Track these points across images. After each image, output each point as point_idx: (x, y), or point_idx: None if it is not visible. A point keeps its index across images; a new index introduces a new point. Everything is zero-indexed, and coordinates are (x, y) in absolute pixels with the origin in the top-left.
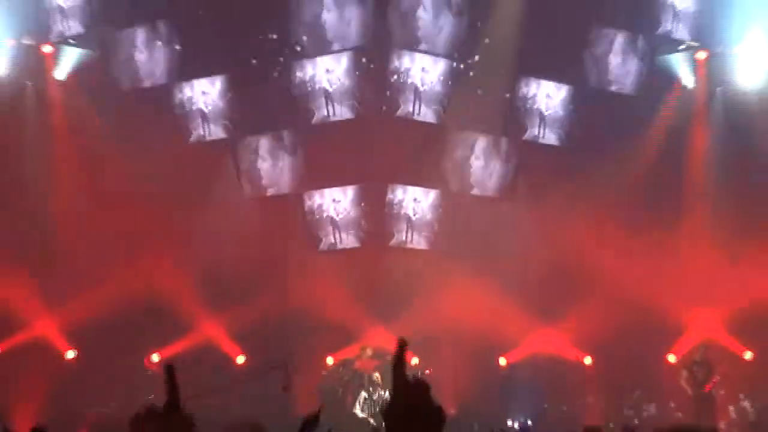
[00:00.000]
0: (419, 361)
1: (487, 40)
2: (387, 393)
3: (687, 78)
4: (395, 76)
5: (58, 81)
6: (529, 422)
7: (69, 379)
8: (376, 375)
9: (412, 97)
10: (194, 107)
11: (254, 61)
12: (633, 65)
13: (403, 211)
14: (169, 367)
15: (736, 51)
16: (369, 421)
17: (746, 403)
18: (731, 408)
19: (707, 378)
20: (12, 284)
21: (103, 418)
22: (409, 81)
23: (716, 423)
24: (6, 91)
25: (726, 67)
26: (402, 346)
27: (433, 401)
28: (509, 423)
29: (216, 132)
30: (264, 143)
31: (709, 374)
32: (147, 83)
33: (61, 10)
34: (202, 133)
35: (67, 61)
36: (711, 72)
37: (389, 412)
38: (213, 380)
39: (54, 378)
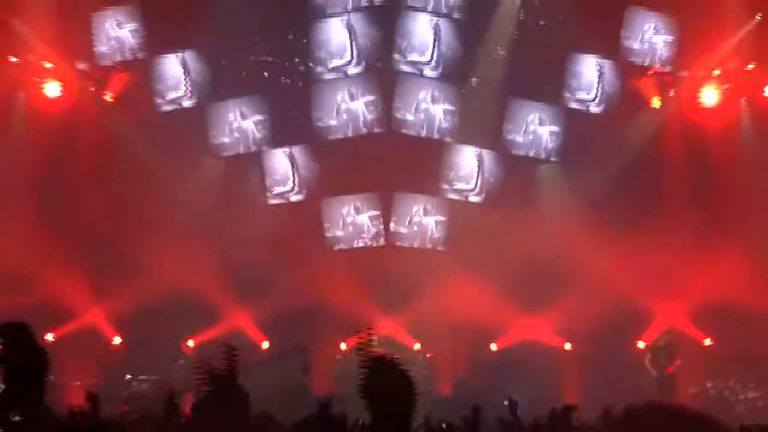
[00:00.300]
0: (421, 346)
1: (480, 66)
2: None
3: (655, 99)
4: (401, 97)
5: (106, 101)
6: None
7: (115, 362)
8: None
9: (416, 116)
10: (226, 124)
11: (284, 80)
12: (608, 88)
13: (407, 216)
14: (230, 347)
15: (698, 74)
16: None
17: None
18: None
19: (669, 361)
20: (68, 281)
21: (142, 395)
22: (414, 101)
23: (677, 400)
24: (62, 110)
25: (687, 88)
26: (364, 338)
27: (398, 379)
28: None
29: (245, 146)
30: (287, 156)
31: (671, 358)
32: (184, 103)
33: (111, 39)
34: (232, 147)
35: (114, 84)
36: (676, 93)
37: (362, 390)
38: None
39: (102, 360)
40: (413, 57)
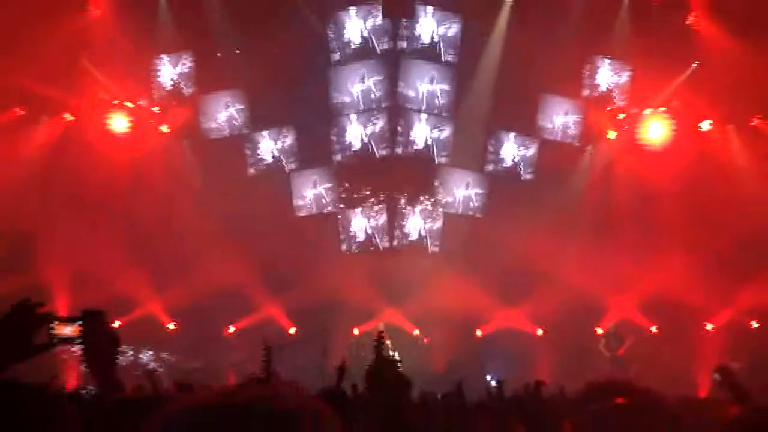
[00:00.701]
0: (419, 332)
1: (469, 102)
2: (396, 354)
3: (610, 131)
4: (404, 129)
5: (163, 133)
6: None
7: (170, 344)
8: (388, 341)
9: (416, 143)
10: (261, 150)
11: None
12: (573, 121)
13: (408, 225)
14: (267, 348)
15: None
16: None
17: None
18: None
19: (619, 345)
20: (131, 277)
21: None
22: (414, 132)
23: (627, 376)
24: (127, 139)
25: (637, 123)
26: (381, 336)
27: (399, 373)
28: (487, 378)
29: (275, 169)
30: (311, 175)
31: (620, 342)
32: (227, 132)
33: (167, 79)
34: (265, 167)
35: (171, 118)
36: (628, 127)
37: (369, 376)
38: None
39: (159, 343)
40: (411, 95)
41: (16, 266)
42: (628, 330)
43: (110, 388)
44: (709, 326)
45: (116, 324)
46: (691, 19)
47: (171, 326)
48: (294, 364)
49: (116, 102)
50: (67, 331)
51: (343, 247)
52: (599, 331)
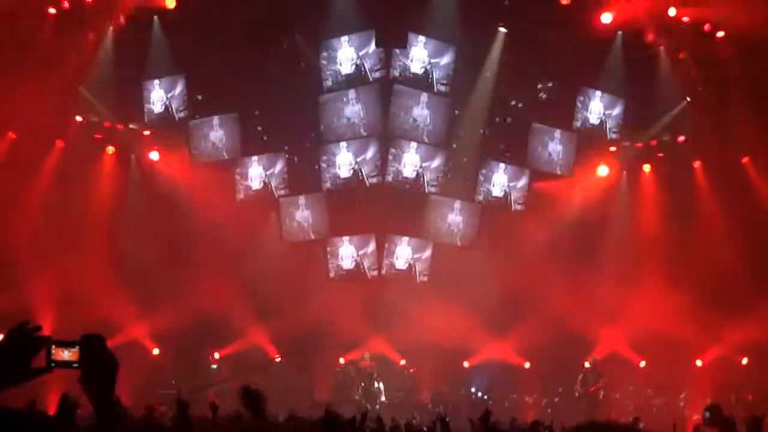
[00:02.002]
0: (406, 362)
1: (460, 132)
2: (381, 385)
3: (601, 165)
4: (394, 158)
5: (153, 156)
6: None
7: (154, 370)
8: (375, 374)
9: (406, 172)
10: (251, 175)
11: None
12: (563, 153)
13: (396, 253)
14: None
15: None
16: (366, 406)
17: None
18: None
19: (595, 381)
20: (114, 301)
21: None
22: (405, 161)
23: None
24: (117, 163)
25: (629, 156)
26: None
27: None
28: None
29: (263, 194)
30: (300, 201)
31: (596, 379)
32: (216, 157)
33: (157, 103)
34: (253, 194)
35: (160, 140)
36: (619, 160)
37: None
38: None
39: (143, 369)
40: (402, 124)
41: (2, 287)
42: (605, 368)
43: (109, 413)
44: (698, 362)
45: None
46: (683, 56)
47: (155, 351)
48: (282, 385)
49: (107, 125)
50: (66, 355)
51: (331, 274)
52: (587, 364)
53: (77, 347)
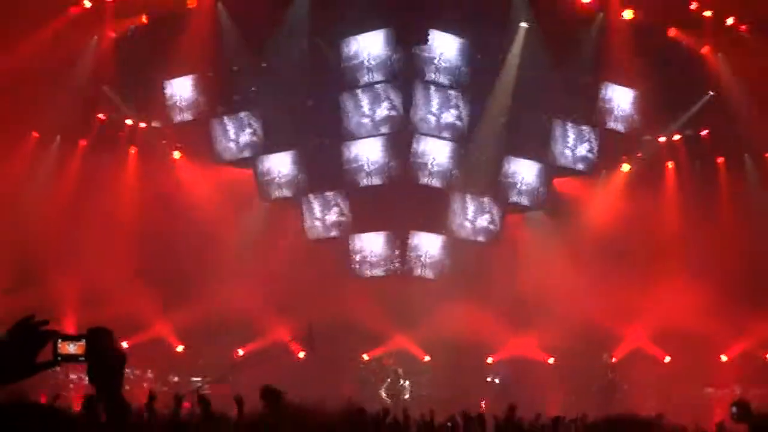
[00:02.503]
0: (430, 358)
1: (482, 128)
2: (407, 383)
3: (625, 162)
4: (417, 154)
5: (175, 155)
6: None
7: (178, 366)
8: (400, 370)
9: (429, 168)
10: (273, 174)
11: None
12: (586, 149)
13: (419, 250)
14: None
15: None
16: (390, 402)
17: None
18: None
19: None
20: (141, 300)
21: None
22: (427, 157)
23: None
24: (139, 162)
25: (652, 151)
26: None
27: None
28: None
29: (285, 192)
30: (322, 198)
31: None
32: (237, 156)
33: (179, 102)
34: (275, 193)
35: (182, 139)
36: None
37: None
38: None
39: (167, 365)
40: (424, 120)
41: (27, 284)
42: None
43: (116, 407)
44: (723, 357)
45: (124, 344)
46: (706, 49)
47: (179, 348)
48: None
49: (129, 123)
50: (72, 348)
51: (354, 271)
52: (612, 360)
53: (83, 341)
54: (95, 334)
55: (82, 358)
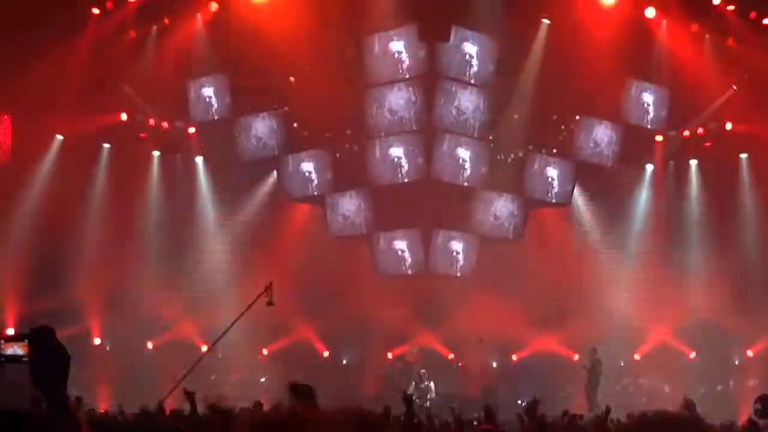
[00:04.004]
0: (454, 355)
1: (505, 125)
2: (432, 384)
3: (649, 155)
4: (440, 151)
5: (196, 154)
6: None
7: (204, 367)
8: (423, 370)
9: (452, 165)
10: (297, 173)
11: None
12: (610, 144)
13: (443, 248)
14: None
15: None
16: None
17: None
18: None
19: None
20: (162, 299)
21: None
22: (451, 154)
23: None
24: (162, 163)
25: (676, 146)
26: None
27: None
28: (519, 402)
29: (311, 191)
30: (346, 196)
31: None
32: (262, 153)
33: (201, 100)
34: (300, 192)
35: (204, 138)
36: (666, 150)
37: None
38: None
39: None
40: (446, 117)
41: (52, 287)
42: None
43: (59, 408)
44: (749, 353)
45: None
46: (729, 44)
47: (203, 348)
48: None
49: (152, 123)
50: (14, 350)
51: (378, 269)
52: (636, 356)
53: (26, 341)
54: (38, 334)
55: (26, 359)
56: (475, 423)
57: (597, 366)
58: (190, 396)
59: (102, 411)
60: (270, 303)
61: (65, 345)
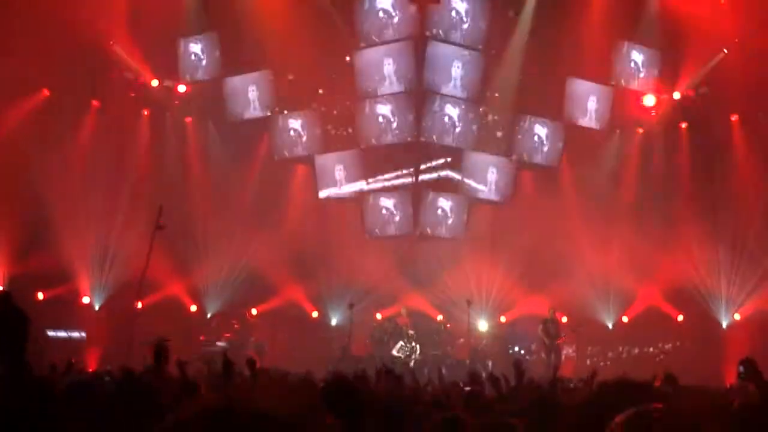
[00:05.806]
0: (443, 317)
1: (495, 88)
2: (418, 346)
3: (639, 118)
4: (430, 113)
5: (186, 113)
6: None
7: (192, 326)
8: (411, 331)
9: (441, 128)
10: (285, 133)
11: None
12: (600, 106)
13: (432, 210)
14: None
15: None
16: (403, 361)
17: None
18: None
19: (557, 332)
20: (154, 259)
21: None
22: (440, 116)
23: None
24: (152, 122)
25: (666, 109)
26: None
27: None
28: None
29: (299, 151)
30: (335, 158)
31: (557, 329)
32: (252, 114)
33: (191, 59)
34: (289, 152)
35: (194, 97)
36: (656, 113)
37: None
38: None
39: (181, 324)
40: (437, 80)
41: (40, 246)
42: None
43: (19, 369)
44: (737, 316)
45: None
46: (722, 3)
47: (193, 308)
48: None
49: (141, 82)
50: None
51: (367, 231)
52: (625, 319)
53: None
54: None
55: None
56: (461, 384)
57: (553, 336)
58: (181, 365)
59: (90, 371)
60: (159, 227)
61: (52, 304)
